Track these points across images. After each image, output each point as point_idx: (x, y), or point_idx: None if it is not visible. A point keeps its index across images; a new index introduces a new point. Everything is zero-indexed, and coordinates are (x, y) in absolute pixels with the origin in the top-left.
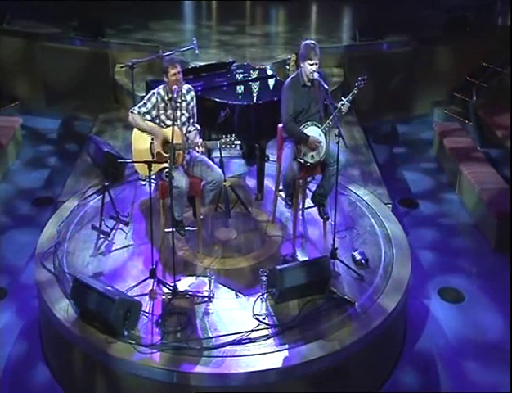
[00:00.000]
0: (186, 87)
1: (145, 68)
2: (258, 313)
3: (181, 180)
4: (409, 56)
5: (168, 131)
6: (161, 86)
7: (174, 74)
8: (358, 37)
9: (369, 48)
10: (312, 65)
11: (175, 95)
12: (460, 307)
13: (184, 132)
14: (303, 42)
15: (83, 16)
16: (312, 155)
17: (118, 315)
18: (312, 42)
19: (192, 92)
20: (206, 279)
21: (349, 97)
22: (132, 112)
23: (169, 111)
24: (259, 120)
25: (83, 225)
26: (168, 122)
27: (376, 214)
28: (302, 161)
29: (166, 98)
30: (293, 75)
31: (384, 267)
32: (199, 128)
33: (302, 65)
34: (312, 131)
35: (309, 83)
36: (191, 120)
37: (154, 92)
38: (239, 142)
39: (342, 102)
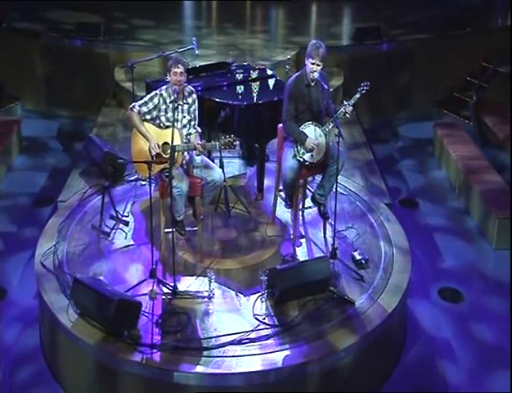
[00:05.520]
0: (187, 89)
1: (145, 68)
2: (258, 313)
3: (181, 180)
4: (409, 56)
5: (162, 136)
6: (164, 87)
7: (176, 74)
8: (358, 37)
9: (369, 48)
10: (313, 64)
11: (175, 96)
12: (460, 307)
13: (184, 134)
14: (312, 41)
15: (83, 16)
16: (312, 155)
17: (118, 315)
18: (319, 42)
19: (194, 95)
20: (206, 279)
21: (351, 102)
22: (131, 109)
23: (170, 114)
24: (259, 120)
25: (83, 225)
26: (168, 123)
27: (376, 214)
28: (301, 160)
29: (168, 100)
30: (297, 73)
31: (384, 267)
32: (200, 130)
33: (306, 63)
34: (312, 131)
35: (312, 83)
36: (192, 123)
37: (156, 93)
38: (237, 143)
39: (344, 107)
